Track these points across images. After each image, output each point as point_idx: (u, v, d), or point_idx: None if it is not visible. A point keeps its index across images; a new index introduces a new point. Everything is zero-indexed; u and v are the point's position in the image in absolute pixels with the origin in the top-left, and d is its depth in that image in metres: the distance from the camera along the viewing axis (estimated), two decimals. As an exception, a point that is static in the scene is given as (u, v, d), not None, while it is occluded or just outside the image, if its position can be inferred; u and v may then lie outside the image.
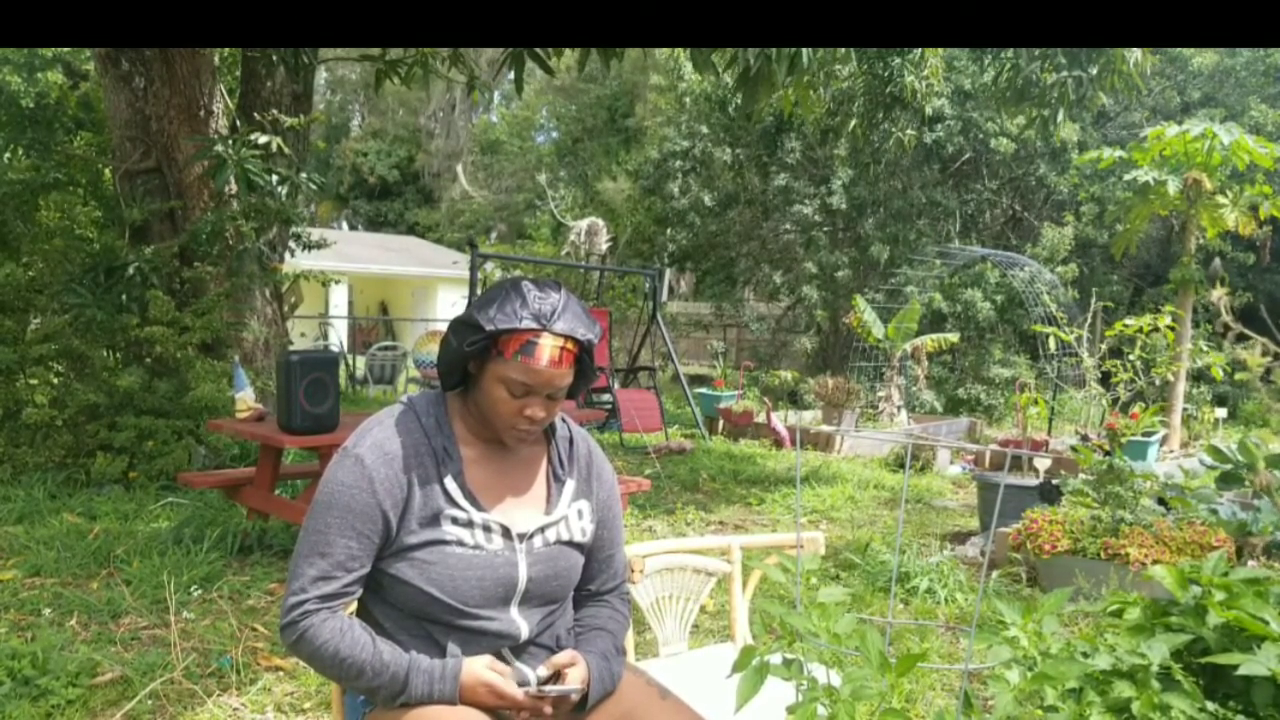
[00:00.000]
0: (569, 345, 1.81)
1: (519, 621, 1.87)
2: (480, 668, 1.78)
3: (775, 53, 5.89)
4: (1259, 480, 5.82)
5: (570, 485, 1.98)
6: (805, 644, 1.41)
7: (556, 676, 1.82)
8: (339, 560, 1.78)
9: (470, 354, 1.81)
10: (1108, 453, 5.33)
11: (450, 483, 1.84)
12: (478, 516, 1.84)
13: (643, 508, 6.96)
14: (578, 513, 1.98)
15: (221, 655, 3.73)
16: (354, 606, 1.87)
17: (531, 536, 1.89)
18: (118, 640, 3.89)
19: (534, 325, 1.77)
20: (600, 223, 19.04)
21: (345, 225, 34.91)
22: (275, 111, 7.49)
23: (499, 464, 1.93)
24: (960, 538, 6.48)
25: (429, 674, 1.77)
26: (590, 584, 2.04)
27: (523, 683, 1.79)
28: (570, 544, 1.95)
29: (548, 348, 1.78)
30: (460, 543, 1.82)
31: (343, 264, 21.50)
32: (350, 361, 15.19)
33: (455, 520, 1.83)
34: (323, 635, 1.75)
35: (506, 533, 1.86)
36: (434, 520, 1.82)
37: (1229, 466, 6.68)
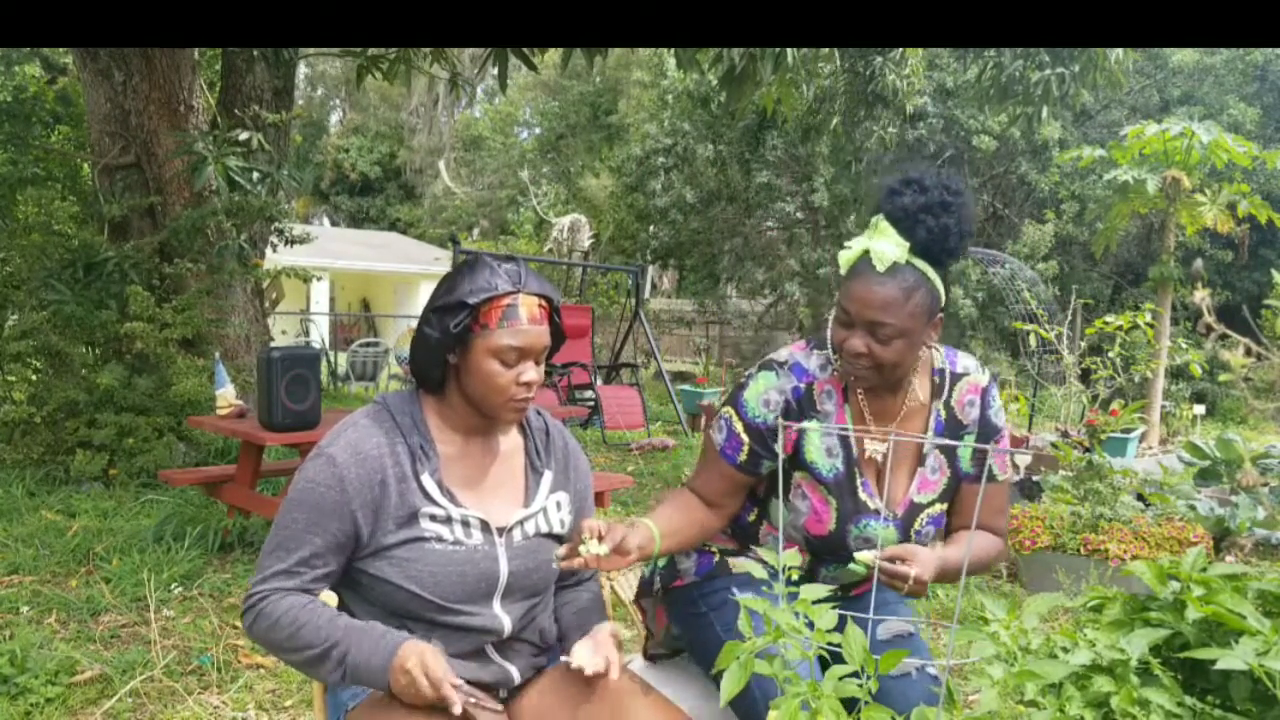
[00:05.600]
0: (543, 303, 1.86)
1: (501, 616, 1.87)
2: (422, 650, 1.71)
3: (760, 51, 5.90)
4: (1244, 479, 5.86)
5: (548, 476, 2.00)
6: (788, 639, 1.41)
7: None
8: (304, 557, 1.78)
9: (454, 339, 1.81)
10: (1087, 449, 5.36)
11: (427, 480, 1.84)
12: (456, 512, 1.84)
13: (625, 505, 6.97)
14: (556, 504, 1.99)
15: (202, 653, 3.71)
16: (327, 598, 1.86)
17: (511, 530, 1.90)
18: (97, 638, 3.87)
19: (510, 288, 1.81)
20: (583, 219, 19.06)
21: (326, 221, 34.74)
22: (256, 107, 7.44)
23: (477, 459, 1.93)
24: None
25: (376, 639, 1.73)
26: (569, 575, 2.06)
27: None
28: (550, 536, 1.96)
29: (527, 307, 1.83)
30: (439, 539, 1.82)
31: (324, 260, 21.41)
32: (332, 358, 15.12)
33: (433, 518, 1.83)
34: (282, 606, 1.75)
35: (486, 527, 1.86)
36: (412, 519, 1.81)
37: (1207, 463, 6.74)
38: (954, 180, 1.91)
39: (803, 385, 2.02)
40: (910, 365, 1.96)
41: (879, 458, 2.01)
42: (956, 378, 2.06)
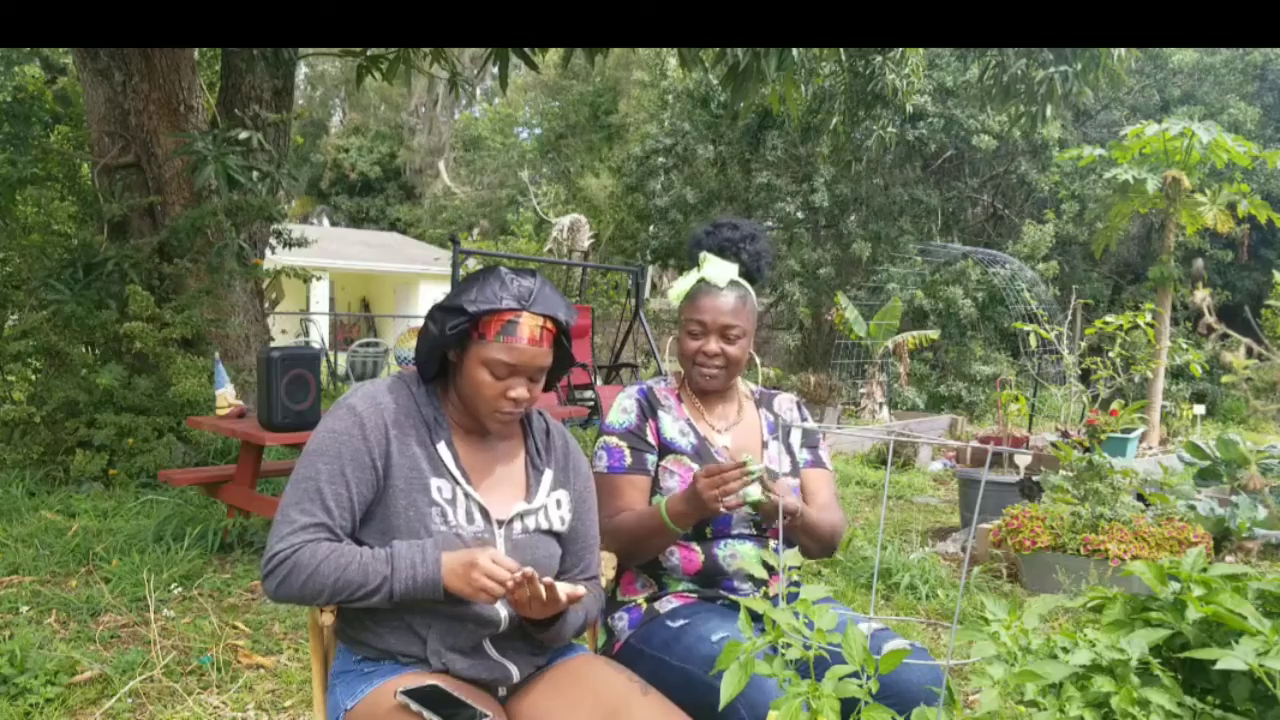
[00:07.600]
0: (549, 325, 1.87)
1: (499, 608, 1.88)
2: (480, 550, 1.76)
3: (764, 49, 5.90)
4: (1249, 482, 5.86)
5: (549, 475, 2.02)
6: (788, 640, 1.41)
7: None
8: (329, 507, 1.79)
9: (451, 339, 1.84)
10: (1088, 449, 5.36)
11: (442, 448, 1.88)
12: (460, 491, 1.86)
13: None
14: (556, 502, 2.01)
15: (202, 653, 3.71)
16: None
17: (511, 522, 1.92)
18: (97, 638, 3.87)
19: (514, 305, 1.83)
20: (583, 219, 19.05)
21: (326, 221, 34.74)
22: (256, 107, 7.44)
23: (479, 451, 1.96)
24: (941, 534, 6.51)
25: (411, 558, 1.76)
26: (569, 574, 2.06)
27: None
28: (549, 533, 1.98)
29: (528, 326, 1.84)
30: (445, 519, 1.83)
31: (324, 260, 21.43)
32: (332, 358, 15.13)
33: (440, 490, 1.85)
34: (321, 553, 1.75)
35: (486, 516, 1.88)
36: (422, 481, 1.84)
37: (1207, 463, 6.74)
38: (753, 223, 2.45)
39: (646, 389, 2.41)
40: (744, 365, 2.37)
41: (725, 445, 2.37)
42: (771, 395, 2.54)
